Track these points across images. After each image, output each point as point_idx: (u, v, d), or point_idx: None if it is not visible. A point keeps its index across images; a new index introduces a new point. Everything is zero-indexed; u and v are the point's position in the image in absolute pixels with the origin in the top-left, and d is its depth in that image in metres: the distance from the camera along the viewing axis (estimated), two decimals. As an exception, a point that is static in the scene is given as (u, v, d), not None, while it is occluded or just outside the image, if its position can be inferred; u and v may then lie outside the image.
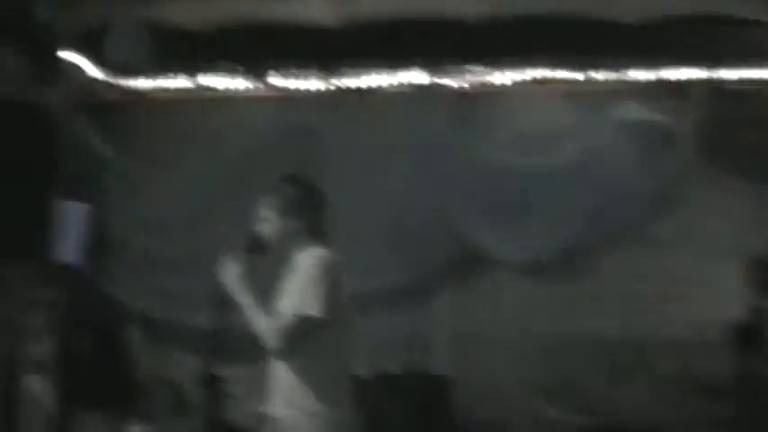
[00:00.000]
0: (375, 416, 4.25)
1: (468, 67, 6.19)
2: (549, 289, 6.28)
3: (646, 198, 6.13)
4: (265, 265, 4.11)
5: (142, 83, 6.43)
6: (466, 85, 6.26)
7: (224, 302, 3.80)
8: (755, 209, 6.22)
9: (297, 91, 6.33)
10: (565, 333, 6.22)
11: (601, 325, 6.21)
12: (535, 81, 6.18)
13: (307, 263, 4.15)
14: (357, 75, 6.27)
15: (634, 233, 6.22)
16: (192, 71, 6.33)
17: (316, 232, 4.19)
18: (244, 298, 3.85)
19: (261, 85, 6.36)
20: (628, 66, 6.09)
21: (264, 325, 4.04)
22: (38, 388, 5.04)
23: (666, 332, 6.16)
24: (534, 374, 6.07)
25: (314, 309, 4.01)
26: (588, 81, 6.13)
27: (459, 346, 6.26)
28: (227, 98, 6.44)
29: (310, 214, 4.19)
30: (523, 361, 6.20)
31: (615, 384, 6.14)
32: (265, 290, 4.21)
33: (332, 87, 6.30)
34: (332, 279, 4.08)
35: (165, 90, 6.45)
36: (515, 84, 6.21)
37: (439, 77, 6.25)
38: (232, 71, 6.32)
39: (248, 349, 4.05)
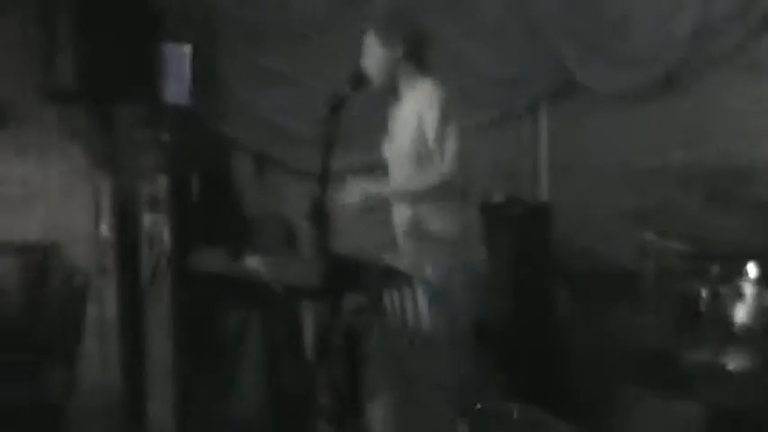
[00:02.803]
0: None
1: None
2: (646, 115, 6.20)
3: (747, 18, 5.90)
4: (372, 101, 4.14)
5: None
6: None
7: (332, 142, 3.86)
8: None
9: None
10: (663, 160, 6.17)
11: (699, 152, 6.14)
12: None
13: (418, 98, 4.16)
14: None
15: (735, 56, 6.04)
16: None
17: (420, 63, 4.20)
18: None
19: None
20: None
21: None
22: (154, 226, 5.26)
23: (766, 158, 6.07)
24: (631, 202, 6.06)
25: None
26: None
27: (558, 175, 6.27)
28: None
29: (412, 44, 4.18)
30: (621, 188, 6.19)
31: (713, 211, 6.10)
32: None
33: None
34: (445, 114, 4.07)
35: None
36: None
37: None
38: None
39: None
